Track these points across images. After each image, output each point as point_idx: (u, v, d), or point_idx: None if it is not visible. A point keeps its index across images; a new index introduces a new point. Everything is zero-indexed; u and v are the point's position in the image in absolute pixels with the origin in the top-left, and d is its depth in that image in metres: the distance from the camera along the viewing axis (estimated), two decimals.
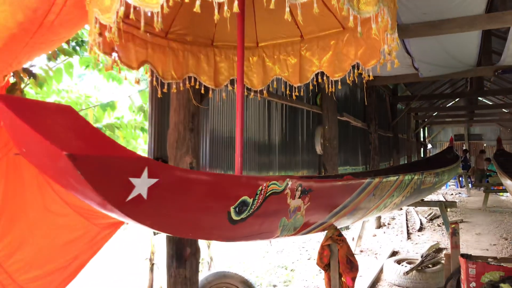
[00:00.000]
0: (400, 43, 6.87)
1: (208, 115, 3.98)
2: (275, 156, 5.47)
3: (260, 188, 2.09)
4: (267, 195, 2.16)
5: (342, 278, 3.66)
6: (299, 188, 2.49)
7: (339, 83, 2.98)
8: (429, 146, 26.27)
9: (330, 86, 2.98)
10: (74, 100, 4.57)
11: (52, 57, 3.88)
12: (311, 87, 3.17)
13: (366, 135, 10.25)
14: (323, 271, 3.86)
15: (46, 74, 4.09)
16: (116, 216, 1.43)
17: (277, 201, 2.30)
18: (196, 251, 3.12)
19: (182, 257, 3.06)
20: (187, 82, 2.95)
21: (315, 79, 3.29)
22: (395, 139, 13.40)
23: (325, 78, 3.10)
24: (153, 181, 1.43)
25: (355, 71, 2.89)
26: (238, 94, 2.54)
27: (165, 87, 2.90)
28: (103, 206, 1.37)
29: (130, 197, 1.39)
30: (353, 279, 3.59)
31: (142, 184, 1.40)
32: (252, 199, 2.07)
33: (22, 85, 4.15)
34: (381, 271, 6.66)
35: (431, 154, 21.89)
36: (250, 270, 7.62)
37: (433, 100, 17.66)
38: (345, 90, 8.84)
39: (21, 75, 3.68)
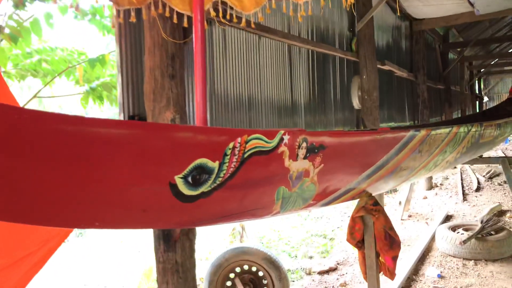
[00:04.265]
0: None
1: (207, 67, 3.22)
2: (300, 116, 4.63)
3: (230, 146, 1.37)
4: (245, 156, 1.44)
5: (380, 258, 2.92)
6: (304, 145, 1.74)
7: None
8: (486, 99, 24.19)
9: None
10: (63, 57, 3.97)
11: (19, 2, 3.24)
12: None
13: (413, 87, 9.14)
14: None
15: (20, 25, 3.48)
16: None
17: (266, 164, 1.57)
18: (189, 230, 2.49)
19: (171, 238, 2.44)
20: (152, 9, 2.22)
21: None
22: (447, 91, 12.09)
23: None
24: None
25: None
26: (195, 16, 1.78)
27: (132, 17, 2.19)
28: None
29: None
30: (394, 258, 2.83)
31: None
32: (218, 162, 1.35)
33: None
34: (432, 239, 5.82)
35: (487, 108, 20.11)
36: (285, 240, 7.01)
37: (490, 46, 15.86)
38: (387, 38, 7.75)
39: None
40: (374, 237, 2.86)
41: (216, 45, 3.33)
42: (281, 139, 1.59)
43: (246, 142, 1.42)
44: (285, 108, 4.37)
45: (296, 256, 6.14)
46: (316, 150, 1.82)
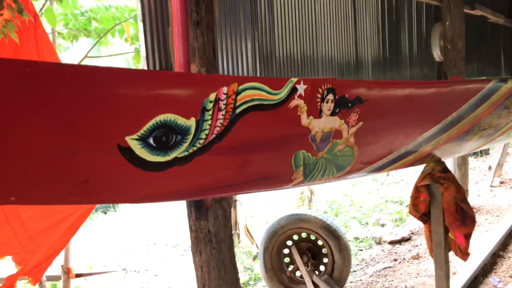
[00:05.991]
0: None
1: (248, 17, 2.84)
2: (367, 73, 4.07)
3: (211, 97, 1.05)
4: (237, 111, 1.12)
5: (450, 234, 2.46)
6: (330, 98, 1.37)
7: None
8: None
9: None
10: (112, 15, 3.85)
11: None
12: None
13: None
14: None
15: None
16: None
17: (272, 121, 1.24)
18: (221, 198, 2.25)
19: (202, 205, 2.22)
20: None
21: None
22: None
23: None
24: None
25: None
26: None
27: None
28: None
29: None
30: (467, 236, 2.37)
31: None
32: (195, 120, 1.05)
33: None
34: None
35: None
36: (357, 205, 6.60)
37: None
38: None
39: None
40: (443, 210, 2.41)
41: None
42: (293, 90, 1.23)
43: (237, 93, 1.09)
44: (348, 65, 3.87)
45: (367, 223, 5.74)
46: (349, 105, 1.44)
